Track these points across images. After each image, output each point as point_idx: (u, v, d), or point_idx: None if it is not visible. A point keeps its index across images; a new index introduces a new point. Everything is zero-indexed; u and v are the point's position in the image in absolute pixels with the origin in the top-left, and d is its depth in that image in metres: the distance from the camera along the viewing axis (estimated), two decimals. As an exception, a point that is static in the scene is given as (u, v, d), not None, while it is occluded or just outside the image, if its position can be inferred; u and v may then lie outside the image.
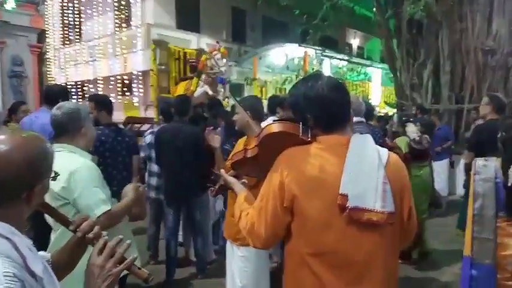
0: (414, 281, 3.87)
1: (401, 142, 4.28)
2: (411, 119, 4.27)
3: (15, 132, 1.02)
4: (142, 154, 4.14)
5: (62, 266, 1.20)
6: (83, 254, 1.18)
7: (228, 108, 5.90)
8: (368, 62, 15.90)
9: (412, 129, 4.17)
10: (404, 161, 4.43)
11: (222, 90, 7.94)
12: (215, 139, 2.90)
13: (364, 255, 1.28)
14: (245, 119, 2.70)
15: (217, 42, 8.43)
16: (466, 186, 4.25)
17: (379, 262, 1.30)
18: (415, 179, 4.02)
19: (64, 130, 1.95)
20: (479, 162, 2.97)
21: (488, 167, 2.88)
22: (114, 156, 3.17)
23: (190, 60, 8.19)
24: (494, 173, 2.76)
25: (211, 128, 3.02)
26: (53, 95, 3.53)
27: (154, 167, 4.15)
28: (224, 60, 7.78)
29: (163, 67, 8.18)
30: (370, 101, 14.08)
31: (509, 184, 2.61)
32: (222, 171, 1.70)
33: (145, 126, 7.36)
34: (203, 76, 7.43)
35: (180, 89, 7.61)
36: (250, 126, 2.67)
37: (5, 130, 1.05)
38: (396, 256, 1.40)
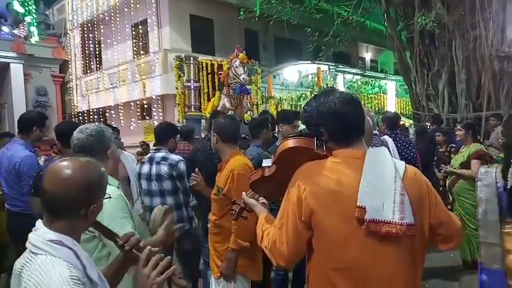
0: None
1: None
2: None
3: (75, 159, 1.20)
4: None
5: (107, 281, 1.33)
6: (126, 271, 1.32)
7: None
8: (382, 75, 15.91)
9: None
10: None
11: (246, 101, 7.24)
12: (198, 183, 2.80)
13: (386, 268, 1.27)
14: (214, 142, 2.60)
15: (238, 47, 7.22)
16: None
17: (401, 275, 1.29)
18: None
19: (89, 153, 1.67)
20: (481, 169, 3.07)
21: (489, 173, 2.96)
22: None
23: (219, 73, 7.64)
24: (495, 179, 2.81)
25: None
26: (26, 122, 3.25)
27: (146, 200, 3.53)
28: (243, 68, 6.77)
29: (190, 84, 7.70)
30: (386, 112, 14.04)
31: (508, 186, 2.63)
32: (243, 193, 1.65)
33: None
34: (224, 88, 6.97)
35: (210, 105, 7.13)
36: (219, 149, 2.59)
37: (66, 157, 1.22)
38: (418, 267, 1.35)
